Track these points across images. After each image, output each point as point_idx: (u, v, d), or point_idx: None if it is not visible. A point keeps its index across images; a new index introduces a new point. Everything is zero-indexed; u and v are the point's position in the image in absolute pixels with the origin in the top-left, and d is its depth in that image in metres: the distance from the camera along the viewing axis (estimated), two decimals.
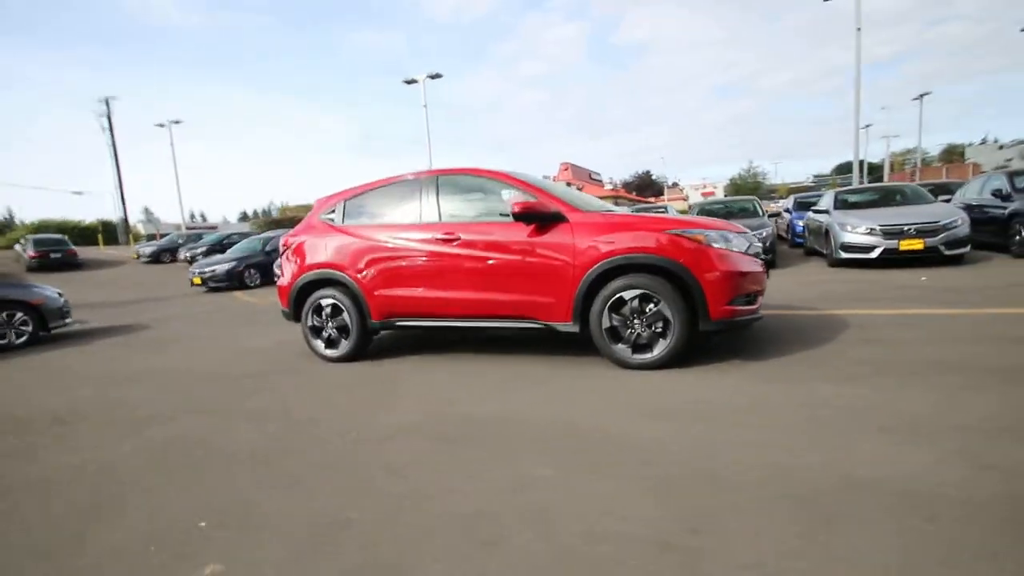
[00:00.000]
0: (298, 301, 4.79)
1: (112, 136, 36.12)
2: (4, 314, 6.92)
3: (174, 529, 2.07)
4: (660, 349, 3.52)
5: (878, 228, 7.82)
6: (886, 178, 37.65)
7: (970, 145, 62.53)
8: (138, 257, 24.91)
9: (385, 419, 3.13)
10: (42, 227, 30.73)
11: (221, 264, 14.01)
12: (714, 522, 1.80)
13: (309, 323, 4.72)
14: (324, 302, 4.62)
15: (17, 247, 24.14)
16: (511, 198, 3.99)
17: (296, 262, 4.80)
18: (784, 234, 13.70)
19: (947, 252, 7.51)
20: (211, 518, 2.12)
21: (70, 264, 21.93)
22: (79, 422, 3.57)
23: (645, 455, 2.36)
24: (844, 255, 8.17)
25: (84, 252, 24.56)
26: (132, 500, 2.35)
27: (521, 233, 3.83)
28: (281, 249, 5.03)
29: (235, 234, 23.30)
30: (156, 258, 24.12)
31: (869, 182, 25.91)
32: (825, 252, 9.09)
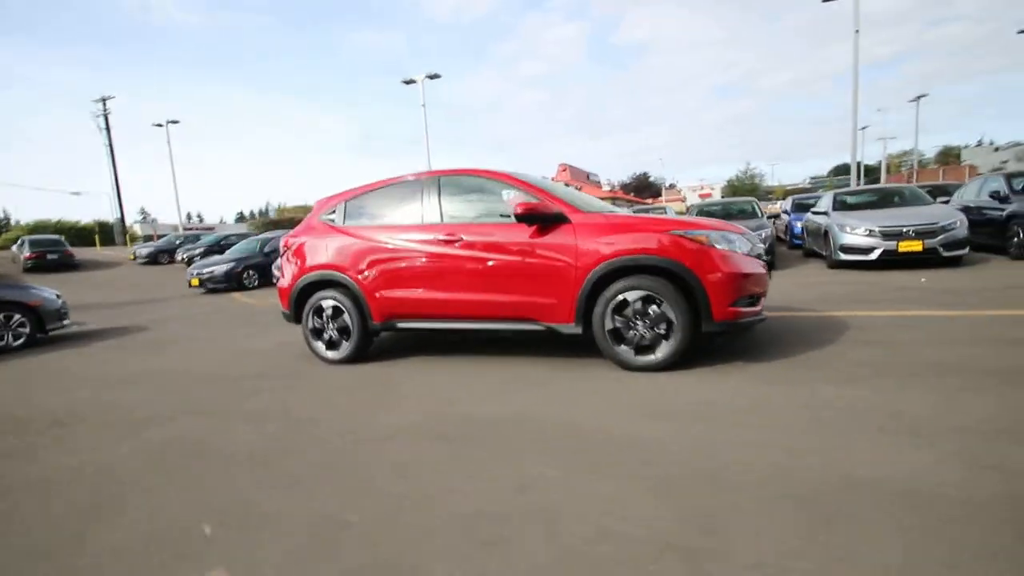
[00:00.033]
0: (299, 303, 4.77)
1: (109, 136, 36.00)
2: (1, 316, 6.87)
3: (174, 529, 2.06)
4: (663, 351, 3.52)
5: (877, 230, 7.85)
6: (883, 180, 37.78)
7: (966, 147, 62.82)
8: (135, 258, 24.83)
9: (386, 420, 3.12)
10: (39, 228, 30.65)
11: (219, 265, 13.97)
12: (716, 522, 1.81)
13: (310, 325, 4.70)
14: (325, 304, 4.60)
15: (14, 248, 24.03)
16: (513, 199, 3.98)
17: (296, 263, 4.78)
18: (782, 235, 13.74)
19: (946, 254, 7.54)
20: (211, 519, 2.11)
21: (67, 265, 21.85)
22: (78, 423, 3.55)
23: (648, 456, 2.36)
24: (843, 256, 8.19)
25: (81, 253, 24.47)
26: (131, 501, 2.34)
27: (523, 234, 3.83)
28: (281, 250, 5.02)
29: (233, 235, 23.25)
30: (153, 259, 24.05)
31: (866, 184, 26.01)
32: (824, 253, 9.11)
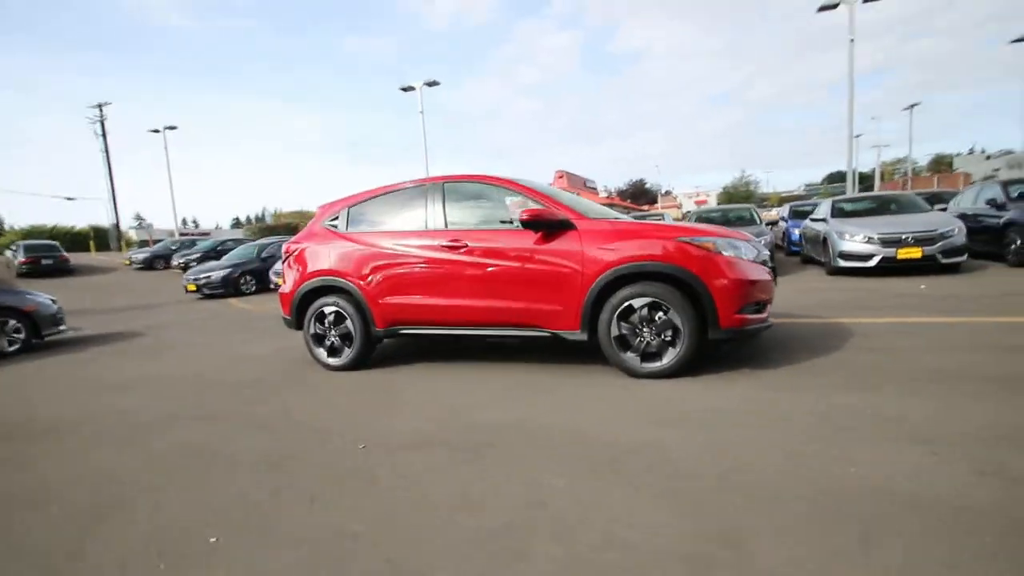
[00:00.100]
0: (300, 308, 4.74)
1: (105, 141, 35.89)
2: None
3: (178, 538, 2.03)
4: (669, 358, 3.50)
5: (876, 237, 7.88)
6: (876, 187, 38.07)
7: (958, 155, 63.44)
8: (130, 263, 24.67)
9: (390, 427, 3.09)
10: (33, 233, 30.40)
11: (216, 271, 13.90)
12: (724, 529, 1.81)
13: (311, 331, 4.67)
14: (327, 310, 4.57)
15: (8, 253, 23.84)
16: (519, 205, 3.98)
17: (298, 269, 4.75)
18: (780, 242, 13.80)
19: (944, 260, 7.58)
20: (216, 527, 2.07)
21: (61, 270, 21.71)
22: (76, 430, 3.50)
23: (655, 463, 2.35)
24: (842, 263, 8.22)
25: (75, 258, 24.32)
26: (133, 508, 2.30)
27: (528, 240, 3.82)
28: (283, 256, 4.98)
29: (229, 240, 23.13)
30: (149, 264, 23.90)
31: (860, 191, 26.19)
32: (823, 260, 9.14)
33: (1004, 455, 2.16)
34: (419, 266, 4.21)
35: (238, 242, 21.09)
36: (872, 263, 7.89)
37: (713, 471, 2.23)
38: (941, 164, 59.10)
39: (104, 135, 35.82)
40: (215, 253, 19.72)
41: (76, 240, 32.39)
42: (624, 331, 3.58)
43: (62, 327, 7.57)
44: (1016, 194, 8.32)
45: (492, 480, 2.33)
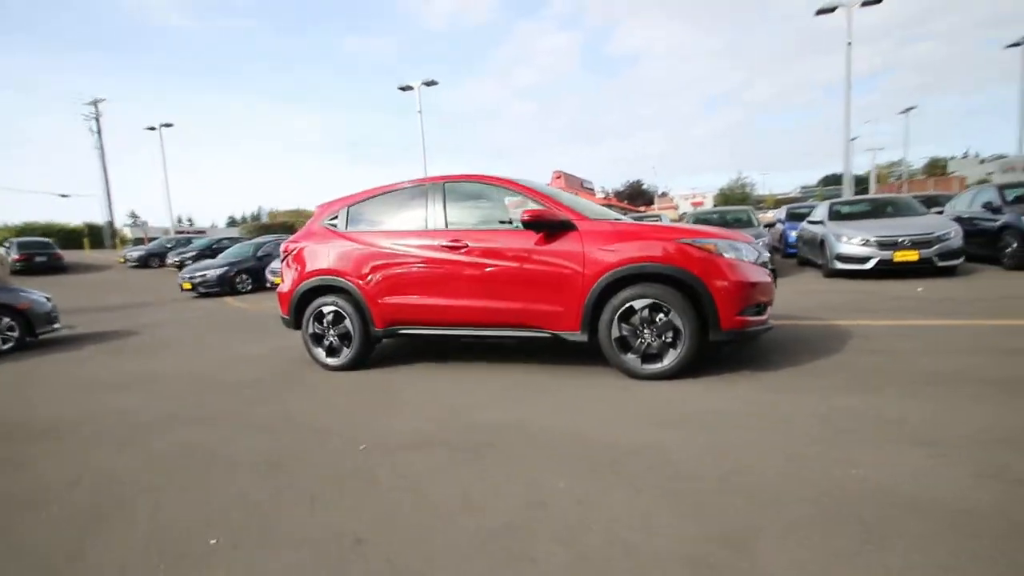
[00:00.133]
0: (299, 308, 4.71)
1: (100, 138, 35.67)
2: None
3: (178, 541, 2.01)
4: (670, 359, 3.50)
5: (873, 239, 7.91)
6: (871, 190, 38.27)
7: (952, 159, 63.83)
8: (125, 261, 24.54)
9: (391, 428, 3.08)
10: (27, 230, 30.20)
11: (212, 269, 13.83)
12: (727, 531, 1.82)
13: (310, 330, 4.64)
14: (326, 309, 4.55)
15: (1, 250, 23.65)
16: (517, 205, 3.97)
17: (297, 268, 4.72)
18: (777, 244, 13.84)
19: (941, 263, 7.61)
20: (216, 530, 2.06)
21: (55, 268, 21.56)
22: (73, 430, 3.47)
23: (656, 464, 2.36)
24: (840, 265, 8.25)
25: (69, 255, 24.14)
26: (133, 510, 2.28)
27: (529, 241, 3.81)
28: (282, 255, 4.96)
29: (225, 239, 23.03)
30: (144, 263, 23.77)
31: (856, 193, 26.31)
32: (820, 262, 9.17)
33: (1005, 457, 2.17)
34: (419, 266, 4.19)
35: (234, 241, 21.01)
36: (869, 265, 7.92)
37: (714, 473, 2.23)
38: (936, 167, 59.45)
39: (99, 132, 35.60)
40: (211, 252, 19.63)
41: (70, 237, 32.19)
42: (625, 332, 3.58)
43: (56, 325, 7.50)
44: (1012, 198, 8.37)
45: (493, 481, 2.32)
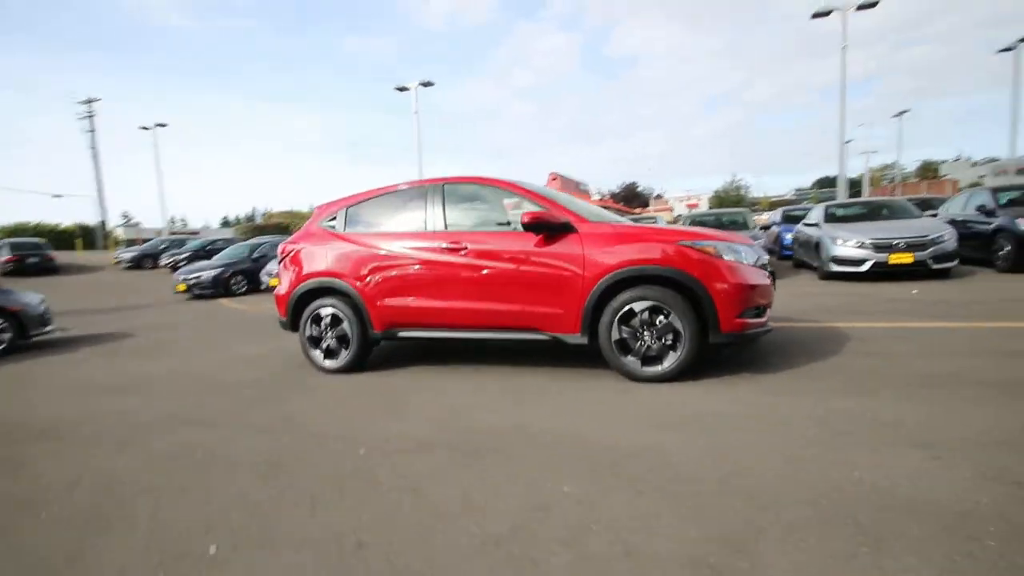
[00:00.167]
0: (296, 310, 4.68)
1: (93, 138, 35.45)
2: None
3: (179, 546, 1.99)
4: (670, 362, 3.50)
5: (868, 242, 7.97)
6: (865, 193, 38.55)
7: (944, 162, 64.39)
8: (118, 262, 24.39)
9: (391, 431, 3.06)
10: (19, 230, 29.98)
11: (207, 271, 13.74)
12: (731, 533, 1.82)
13: (307, 333, 4.62)
14: (323, 312, 4.53)
15: None
16: (516, 207, 3.96)
17: (295, 270, 4.70)
18: (772, 246, 13.91)
19: (935, 266, 7.67)
20: (217, 535, 2.04)
21: (48, 269, 21.41)
22: (69, 434, 3.44)
23: (657, 467, 2.36)
24: (835, 268, 8.30)
25: (61, 257, 23.99)
26: (132, 514, 2.25)
27: (529, 243, 3.80)
28: (279, 256, 4.93)
29: (220, 240, 22.94)
30: (137, 264, 23.66)
31: (849, 196, 26.50)
32: (815, 265, 9.22)
33: (1005, 459, 2.18)
34: (418, 268, 4.18)
35: (228, 242, 20.93)
36: (864, 268, 7.97)
37: (714, 475, 2.24)
38: (928, 170, 59.95)
39: (92, 132, 35.38)
40: (204, 253, 19.56)
41: (62, 238, 31.99)
42: (625, 335, 3.58)
43: (50, 327, 7.43)
44: (1005, 201, 8.45)
45: (493, 483, 2.31)
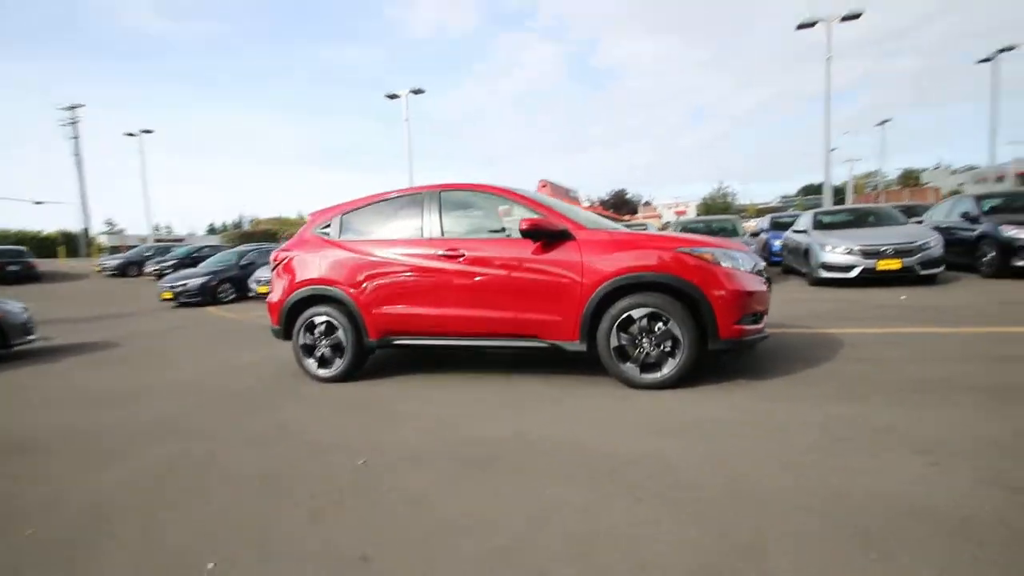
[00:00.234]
0: (289, 318, 4.62)
1: (77, 145, 34.93)
2: None
3: (172, 565, 1.92)
4: (669, 368, 3.50)
5: (857, 248, 8.07)
6: (848, 200, 39.19)
7: (925, 170, 65.73)
8: (102, 270, 23.98)
9: (389, 441, 3.02)
10: None
11: (194, 278, 13.55)
12: (733, 537, 1.82)
13: (301, 341, 4.55)
14: (317, 320, 4.47)
15: None
16: (508, 214, 3.96)
17: (288, 278, 4.63)
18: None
19: (922, 272, 7.80)
20: (213, 553, 1.97)
21: (29, 277, 20.99)
22: (54, 447, 3.34)
23: (658, 474, 2.35)
24: (825, 274, 8.39)
25: (43, 264, 23.56)
26: (120, 534, 2.18)
27: (527, 250, 3.79)
28: (272, 264, 4.86)
29: (206, 247, 22.66)
30: (121, 271, 23.26)
31: (833, 203, 26.92)
32: (804, 271, 9.33)
33: (1003, 464, 2.20)
34: (415, 276, 4.14)
35: (215, 249, 20.69)
36: (853, 274, 8.07)
37: (715, 481, 2.24)
38: (909, 178, 61.13)
39: (76, 138, 34.87)
40: (191, 260, 19.30)
41: (43, 245, 31.48)
42: (623, 342, 3.57)
43: (32, 336, 7.25)
44: (988, 208, 8.62)
45: (495, 494, 2.29)
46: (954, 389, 3.18)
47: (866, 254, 7.99)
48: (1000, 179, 27.25)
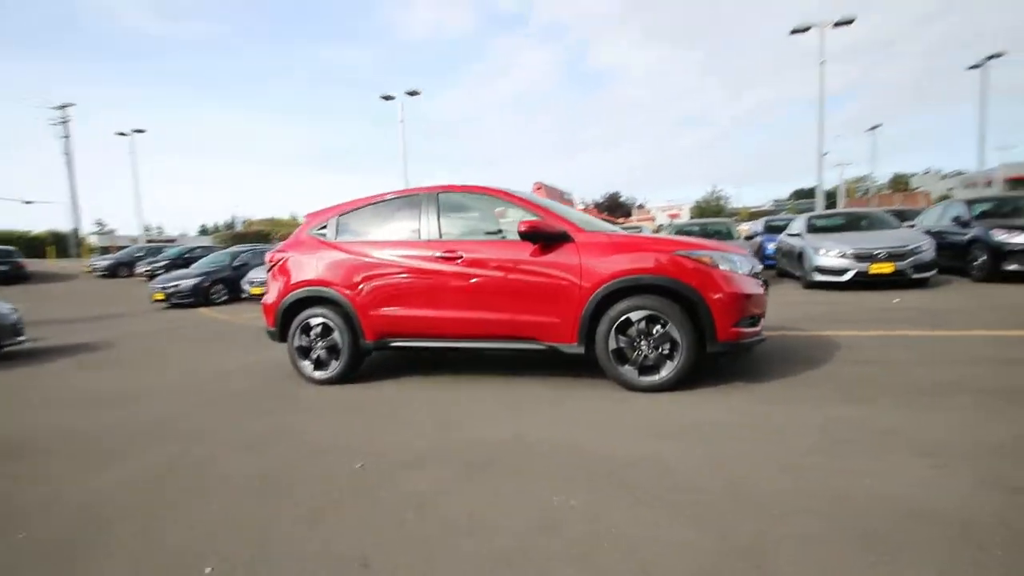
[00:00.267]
0: (285, 320, 4.58)
1: (67, 144, 34.58)
2: None
3: (169, 570, 1.89)
4: (667, 371, 3.51)
5: (850, 252, 8.14)
6: (840, 204, 39.53)
7: (914, 175, 66.42)
8: (92, 271, 23.75)
9: (388, 445, 2.99)
10: None
11: (186, 279, 13.42)
12: (734, 539, 1.82)
13: (296, 343, 4.52)
14: (313, 321, 4.44)
15: None
16: (504, 216, 3.95)
17: (284, 279, 4.60)
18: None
19: (914, 275, 7.87)
20: (212, 558, 1.95)
21: (18, 277, 20.75)
22: (46, 449, 3.29)
23: (656, 476, 2.35)
24: (818, 277, 8.45)
25: (33, 265, 23.31)
26: (116, 538, 2.14)
27: (525, 252, 3.79)
28: (267, 265, 4.82)
29: (198, 248, 22.50)
30: (112, 272, 23.06)
31: (825, 207, 27.16)
32: (798, 274, 9.38)
33: (1005, 467, 2.21)
34: (412, 277, 4.12)
35: (207, 250, 20.55)
36: (847, 277, 8.13)
37: (714, 484, 2.24)
38: (899, 183, 61.72)
39: (67, 137, 34.53)
40: (182, 261, 19.15)
41: (32, 245, 31.14)
42: (622, 344, 3.57)
43: (22, 338, 7.15)
44: (979, 212, 8.71)
45: (495, 497, 2.28)
46: (960, 392, 3.19)
47: (859, 258, 8.06)
48: (988, 184, 27.57)
